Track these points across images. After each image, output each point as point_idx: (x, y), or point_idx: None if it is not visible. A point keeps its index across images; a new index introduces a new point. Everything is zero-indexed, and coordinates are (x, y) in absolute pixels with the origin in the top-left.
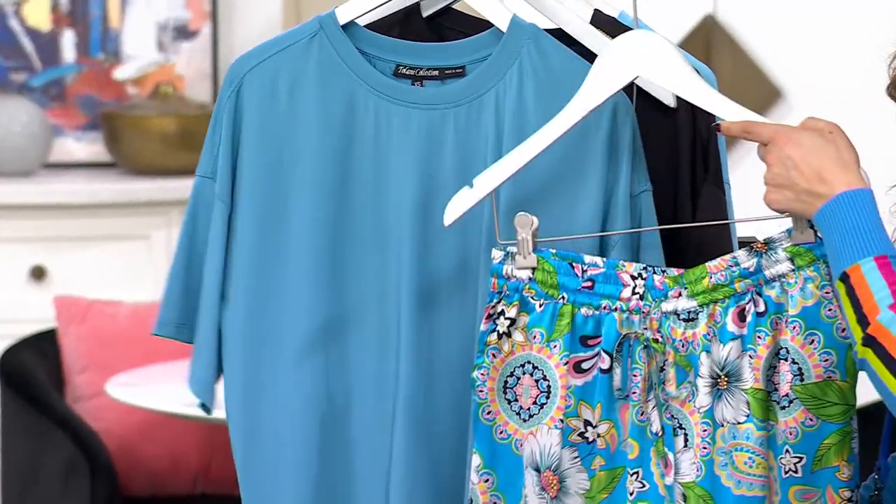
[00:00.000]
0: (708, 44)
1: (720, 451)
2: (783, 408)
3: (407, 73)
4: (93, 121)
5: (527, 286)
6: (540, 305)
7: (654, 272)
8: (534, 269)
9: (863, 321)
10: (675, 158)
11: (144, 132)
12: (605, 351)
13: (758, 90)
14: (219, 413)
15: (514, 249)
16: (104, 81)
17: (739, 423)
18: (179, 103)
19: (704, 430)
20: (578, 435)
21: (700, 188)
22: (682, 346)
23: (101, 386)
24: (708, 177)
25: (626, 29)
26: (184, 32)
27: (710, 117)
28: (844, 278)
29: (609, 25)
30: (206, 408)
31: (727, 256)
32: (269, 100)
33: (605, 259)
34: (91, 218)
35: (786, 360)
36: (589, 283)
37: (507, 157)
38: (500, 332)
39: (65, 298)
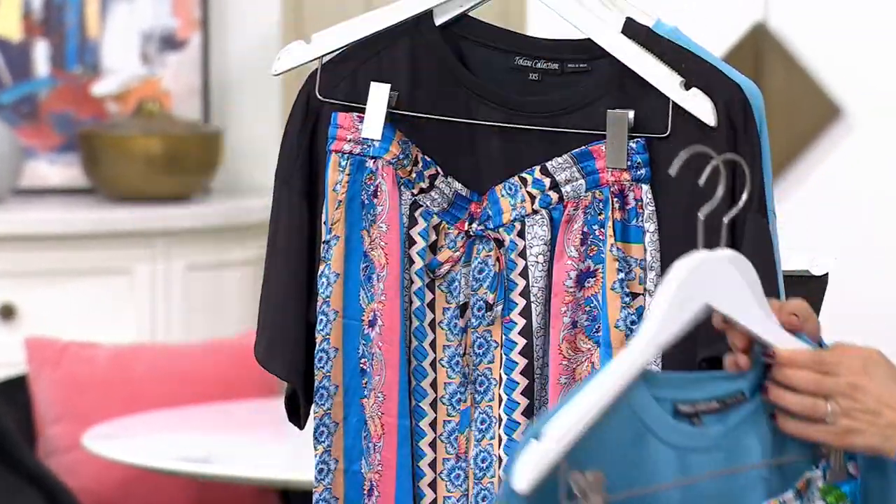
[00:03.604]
0: (757, 55)
1: None
2: None
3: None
4: (69, 142)
5: None
6: None
7: None
8: None
9: None
10: (713, 180)
11: (126, 154)
12: None
13: (814, 107)
14: (208, 469)
15: None
16: (81, 98)
17: None
18: (166, 122)
19: None
20: None
21: (742, 216)
22: None
23: (77, 438)
24: (751, 204)
25: (662, 40)
26: (171, 43)
27: (754, 140)
28: None
29: (643, 36)
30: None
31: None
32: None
33: None
34: (66, 250)
35: None
36: None
37: (577, 399)
38: None
39: (37, 340)
